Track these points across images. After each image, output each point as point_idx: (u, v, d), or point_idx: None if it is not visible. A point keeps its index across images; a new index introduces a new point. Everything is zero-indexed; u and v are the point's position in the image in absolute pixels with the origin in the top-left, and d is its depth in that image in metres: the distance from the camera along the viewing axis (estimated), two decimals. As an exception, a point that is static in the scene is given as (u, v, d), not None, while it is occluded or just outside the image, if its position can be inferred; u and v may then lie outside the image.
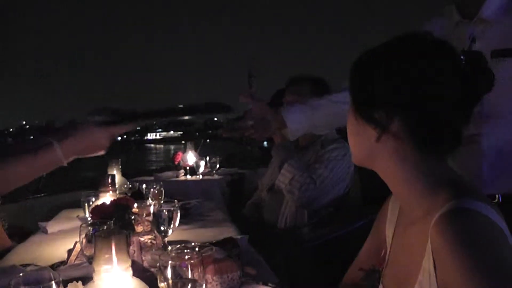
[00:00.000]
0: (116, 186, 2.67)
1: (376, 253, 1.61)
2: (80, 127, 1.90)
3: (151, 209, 2.23)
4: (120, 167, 3.23)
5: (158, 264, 1.38)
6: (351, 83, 1.35)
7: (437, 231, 1.12)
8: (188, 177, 5.02)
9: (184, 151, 5.22)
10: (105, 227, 1.79)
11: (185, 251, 1.45)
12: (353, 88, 1.35)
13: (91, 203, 2.53)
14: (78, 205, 2.75)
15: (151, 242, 2.21)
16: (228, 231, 2.52)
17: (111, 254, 1.09)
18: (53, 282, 1.17)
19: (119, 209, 2.10)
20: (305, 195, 3.02)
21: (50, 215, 3.19)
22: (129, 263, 1.12)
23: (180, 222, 2.17)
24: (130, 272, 1.13)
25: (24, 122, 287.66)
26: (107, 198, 2.47)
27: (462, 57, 1.25)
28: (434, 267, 1.14)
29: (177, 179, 5.02)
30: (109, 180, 2.56)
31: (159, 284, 1.31)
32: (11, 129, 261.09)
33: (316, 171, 3.11)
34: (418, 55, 1.25)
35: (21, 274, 1.20)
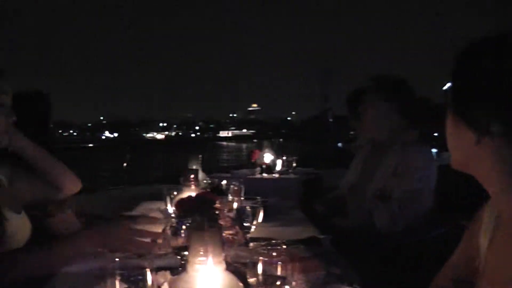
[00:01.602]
0: (200, 181, 2.69)
1: (467, 263, 1.52)
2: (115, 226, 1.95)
3: (234, 204, 2.24)
4: (200, 162, 3.26)
5: (246, 260, 1.37)
6: (451, 84, 1.30)
7: None
8: (264, 175, 5.02)
9: (261, 150, 5.23)
10: (190, 220, 1.81)
11: (273, 248, 1.44)
12: (452, 88, 1.30)
13: (172, 196, 2.56)
14: (156, 197, 2.79)
15: (232, 237, 2.22)
16: (308, 230, 2.50)
17: (206, 246, 1.10)
18: (148, 270, 1.19)
19: (203, 203, 2.12)
20: (401, 213, 2.93)
21: (130, 206, 3.26)
22: (223, 256, 1.13)
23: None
24: (224, 265, 1.14)
25: (101, 118, 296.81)
26: (189, 192, 2.49)
27: None
28: None
29: (253, 176, 5.03)
30: (192, 175, 2.59)
31: (249, 279, 1.31)
32: (89, 124, 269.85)
33: (411, 183, 3.00)
34: None
35: (117, 260, 1.23)
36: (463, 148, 1.28)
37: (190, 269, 1.12)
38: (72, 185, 2.55)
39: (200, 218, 1.96)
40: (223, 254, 1.13)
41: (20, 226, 2.11)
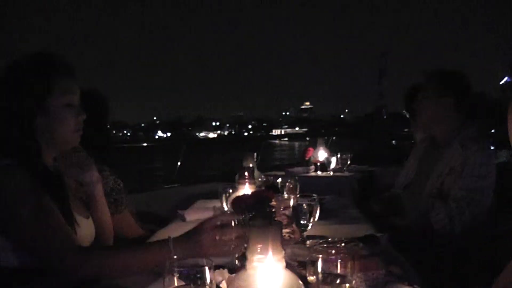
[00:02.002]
0: (255, 179, 2.69)
1: None
2: (202, 233, 1.83)
3: (291, 202, 2.22)
4: (255, 160, 3.26)
5: (305, 259, 1.36)
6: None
7: None
8: (319, 173, 4.99)
9: (314, 147, 5.20)
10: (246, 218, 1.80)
11: (331, 245, 1.42)
12: None
13: (228, 194, 2.57)
14: (211, 195, 2.80)
15: (289, 235, 2.20)
16: (364, 228, 2.46)
17: (266, 244, 1.08)
18: (206, 268, 1.18)
19: (259, 201, 2.11)
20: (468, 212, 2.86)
21: (184, 204, 3.29)
22: (283, 254, 1.11)
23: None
24: (283, 263, 1.12)
25: (155, 118, 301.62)
26: (245, 190, 2.49)
27: None
28: None
29: (308, 174, 5.00)
30: (247, 173, 2.58)
31: (308, 278, 1.29)
32: (142, 124, 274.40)
33: (475, 184, 2.91)
34: None
35: (175, 257, 1.22)
36: None
37: (249, 267, 1.11)
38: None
39: (254, 216, 1.95)
40: (283, 252, 1.12)
41: (88, 231, 2.15)
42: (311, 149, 5.26)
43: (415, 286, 1.55)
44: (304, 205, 2.10)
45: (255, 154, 3.30)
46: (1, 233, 1.78)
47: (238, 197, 2.19)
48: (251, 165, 3.12)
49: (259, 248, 1.10)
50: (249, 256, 1.11)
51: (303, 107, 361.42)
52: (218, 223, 1.82)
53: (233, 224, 1.79)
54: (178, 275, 1.18)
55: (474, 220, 2.82)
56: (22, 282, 1.81)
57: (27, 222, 1.76)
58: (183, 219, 2.84)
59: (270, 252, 1.09)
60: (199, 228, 1.84)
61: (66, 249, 1.78)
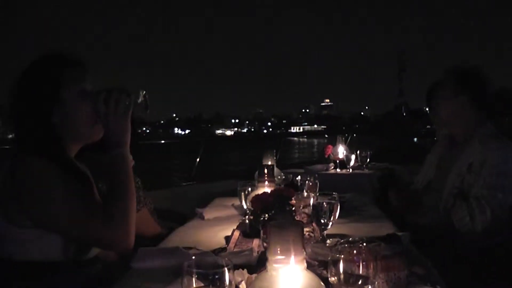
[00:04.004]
0: (275, 178, 2.67)
1: None
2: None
3: (311, 201, 2.20)
4: (275, 158, 3.24)
5: (326, 258, 1.33)
6: None
7: None
8: (338, 170, 4.97)
9: (334, 145, 5.17)
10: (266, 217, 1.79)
11: (353, 245, 1.38)
12: None
13: (246, 192, 2.55)
14: (229, 194, 2.79)
15: (309, 234, 2.18)
16: (386, 227, 2.43)
17: (287, 245, 1.06)
18: (226, 269, 1.16)
19: (279, 199, 2.09)
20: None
21: (202, 202, 3.28)
22: (304, 255, 1.09)
23: (335, 216, 2.13)
24: (304, 264, 1.10)
25: (174, 115, 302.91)
26: (264, 188, 2.47)
27: None
28: None
29: (327, 172, 4.98)
30: (267, 171, 2.56)
31: (329, 279, 1.26)
32: (162, 121, 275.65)
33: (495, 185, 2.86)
34: None
35: (193, 257, 1.21)
36: None
37: (270, 268, 1.09)
38: (122, 237, 1.93)
39: (274, 214, 1.94)
40: (304, 253, 1.09)
41: None
42: (330, 146, 5.23)
43: (437, 287, 1.52)
44: (324, 203, 2.07)
45: (274, 151, 3.28)
46: (34, 225, 1.82)
47: (258, 195, 2.18)
48: (270, 163, 3.09)
49: (280, 249, 1.07)
50: (269, 257, 1.09)
51: (323, 104, 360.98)
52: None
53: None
54: (196, 276, 1.16)
55: (496, 219, 2.77)
56: (35, 277, 1.83)
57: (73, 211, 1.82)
58: (202, 217, 2.84)
59: (291, 253, 1.07)
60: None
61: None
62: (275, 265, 1.08)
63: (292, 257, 1.07)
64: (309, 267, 1.50)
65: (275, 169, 3.15)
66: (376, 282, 1.36)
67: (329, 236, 2.14)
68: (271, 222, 1.17)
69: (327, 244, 2.01)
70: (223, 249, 2.07)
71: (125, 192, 1.92)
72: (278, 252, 1.07)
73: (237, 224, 2.52)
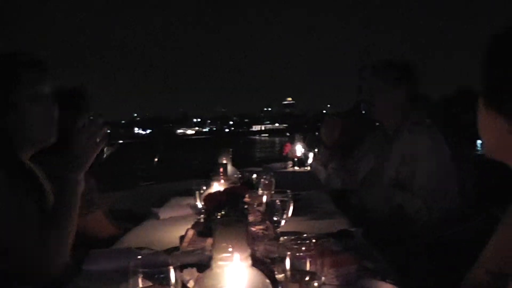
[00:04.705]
0: (229, 176, 2.67)
1: (504, 254, 1.48)
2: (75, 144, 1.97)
3: (264, 198, 2.20)
4: (231, 156, 3.24)
5: (276, 255, 1.33)
6: (482, 71, 1.23)
7: None
8: (296, 168, 4.99)
9: (292, 143, 5.20)
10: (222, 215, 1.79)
11: (302, 242, 1.39)
12: (483, 75, 1.24)
13: (202, 191, 2.54)
14: (187, 193, 2.78)
15: (262, 232, 2.18)
16: (340, 223, 2.46)
17: (231, 243, 1.06)
18: (171, 267, 1.16)
19: (232, 197, 2.09)
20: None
21: (161, 202, 3.26)
22: (249, 252, 1.09)
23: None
24: (249, 261, 1.09)
25: (135, 114, 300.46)
26: (218, 186, 2.47)
27: None
28: None
29: (285, 170, 5.00)
30: (221, 169, 2.56)
31: (276, 276, 1.27)
32: (123, 121, 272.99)
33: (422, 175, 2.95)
34: None
35: (139, 257, 1.20)
36: (496, 137, 1.22)
37: (214, 266, 1.09)
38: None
39: (227, 212, 1.93)
40: (249, 250, 1.09)
41: None
42: (288, 144, 5.26)
43: (387, 280, 1.54)
44: (277, 201, 2.08)
45: (230, 150, 3.28)
46: None
47: (210, 194, 2.17)
48: (225, 162, 3.09)
49: (224, 247, 1.07)
50: (214, 255, 1.08)
51: (285, 102, 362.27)
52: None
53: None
54: (142, 275, 1.15)
55: (441, 206, 2.86)
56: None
57: (8, 224, 1.76)
58: (157, 217, 2.82)
59: (235, 251, 1.07)
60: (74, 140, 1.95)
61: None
62: (220, 263, 1.08)
63: (237, 254, 1.07)
64: (262, 264, 1.51)
65: (231, 167, 3.14)
66: (323, 278, 1.37)
67: (283, 233, 2.14)
68: (215, 220, 1.17)
69: (280, 242, 2.01)
70: (175, 249, 2.06)
71: (65, 220, 1.88)
72: (223, 249, 1.07)
73: (192, 223, 2.51)
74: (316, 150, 5.13)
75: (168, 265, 1.16)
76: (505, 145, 1.21)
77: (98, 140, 1.97)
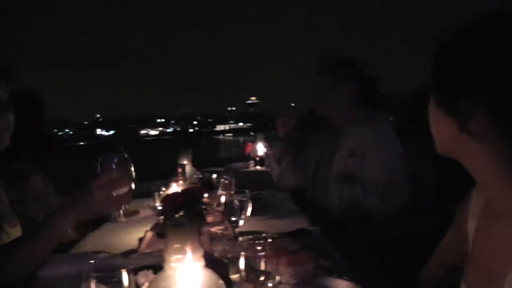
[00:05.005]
0: (188, 176, 2.66)
1: (456, 248, 1.51)
2: (93, 192, 1.79)
3: (222, 199, 2.20)
4: (191, 157, 3.23)
5: (230, 255, 1.33)
6: (433, 70, 1.25)
7: None
8: (258, 167, 4.99)
9: (254, 142, 5.19)
10: (176, 216, 1.77)
11: (259, 242, 1.40)
12: (434, 75, 1.25)
13: (161, 192, 2.53)
14: (147, 195, 2.76)
15: (221, 232, 2.18)
16: (300, 222, 2.47)
17: (183, 244, 1.05)
18: (123, 270, 1.15)
19: (189, 198, 2.08)
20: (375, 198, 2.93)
21: None
22: (201, 253, 1.08)
23: (251, 213, 2.13)
24: (202, 262, 1.09)
25: (98, 115, 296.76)
26: (177, 187, 2.46)
27: None
28: None
29: (247, 170, 5.00)
30: (180, 170, 2.56)
31: (231, 276, 1.27)
32: (85, 122, 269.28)
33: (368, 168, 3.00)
34: (505, 39, 1.13)
35: (91, 262, 1.19)
36: (447, 134, 1.24)
37: (167, 268, 1.08)
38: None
39: (184, 213, 1.93)
40: (202, 251, 1.09)
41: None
42: (250, 144, 5.25)
43: (344, 277, 1.56)
44: (235, 201, 2.08)
45: (190, 150, 3.26)
46: None
47: (168, 195, 2.17)
48: (185, 162, 3.08)
49: (176, 248, 1.06)
50: (167, 256, 1.08)
51: (249, 101, 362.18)
52: (109, 179, 1.79)
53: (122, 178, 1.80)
54: (95, 279, 1.14)
55: (392, 200, 2.91)
56: None
57: None
58: (117, 220, 2.78)
59: (188, 252, 1.06)
60: (90, 187, 1.80)
61: None
62: (172, 265, 1.07)
63: (189, 255, 1.06)
64: (218, 264, 1.51)
65: (191, 168, 3.13)
66: (280, 277, 1.38)
67: (243, 233, 2.15)
68: (167, 221, 1.16)
69: (239, 242, 2.02)
70: (133, 251, 2.04)
71: (30, 256, 1.79)
72: (175, 251, 1.06)
73: (152, 225, 2.50)
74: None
75: (121, 268, 1.15)
76: (456, 143, 1.23)
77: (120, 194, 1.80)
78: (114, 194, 1.77)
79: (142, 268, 1.53)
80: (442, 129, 1.26)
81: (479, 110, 1.13)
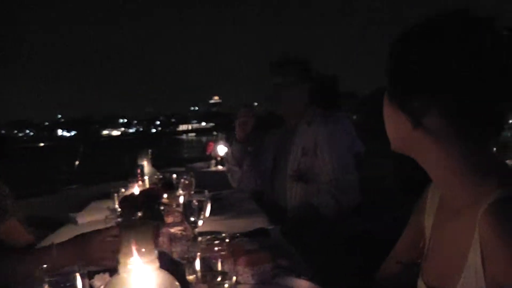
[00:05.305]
0: (146, 177, 2.64)
1: (414, 245, 1.53)
2: (90, 237, 1.78)
3: (181, 199, 2.19)
4: (150, 157, 3.20)
5: (186, 256, 1.32)
6: (386, 69, 1.26)
7: (486, 221, 1.04)
8: (219, 167, 4.98)
9: (216, 142, 5.19)
10: (133, 218, 1.76)
11: (216, 242, 1.39)
12: (388, 74, 1.26)
13: (120, 193, 2.50)
14: (107, 196, 2.73)
15: (181, 233, 2.17)
16: (259, 222, 2.47)
17: (136, 246, 1.04)
18: (77, 274, 1.13)
19: (148, 199, 2.06)
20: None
21: (81, 207, 3.18)
22: (155, 255, 1.07)
23: (211, 213, 2.12)
24: (157, 264, 1.08)
25: (59, 116, 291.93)
26: (136, 188, 2.44)
27: (505, 33, 1.14)
28: (482, 261, 1.06)
29: (209, 169, 4.99)
30: (138, 171, 2.53)
31: (187, 277, 1.26)
32: (46, 123, 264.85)
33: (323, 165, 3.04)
34: (456, 38, 1.14)
35: (45, 266, 1.17)
36: (401, 132, 1.24)
37: (121, 270, 1.07)
38: None
39: (143, 214, 1.91)
40: (156, 252, 1.08)
41: None
42: (211, 144, 5.25)
43: (302, 277, 1.57)
44: (194, 201, 2.07)
45: (149, 151, 3.24)
46: None
47: (126, 196, 2.14)
48: (144, 163, 3.05)
49: (130, 250, 1.05)
50: (120, 258, 1.06)
51: (212, 101, 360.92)
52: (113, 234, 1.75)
53: None
54: (48, 283, 1.12)
55: (345, 197, 2.94)
56: None
57: None
58: (76, 222, 2.74)
59: (141, 254, 1.05)
60: (91, 236, 1.77)
61: None
62: (126, 267, 1.06)
63: (143, 257, 1.05)
64: (175, 265, 1.50)
65: (151, 168, 3.11)
66: (238, 277, 1.38)
67: (202, 233, 2.14)
68: (120, 223, 1.15)
69: (198, 242, 2.01)
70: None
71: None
72: (129, 253, 1.05)
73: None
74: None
75: (75, 272, 1.14)
76: (410, 140, 1.23)
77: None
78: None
79: (98, 271, 1.51)
80: (396, 126, 1.26)
81: (433, 108, 1.14)
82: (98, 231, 1.79)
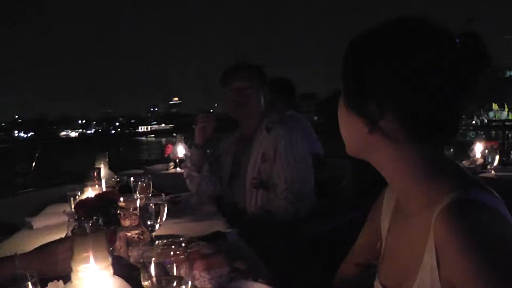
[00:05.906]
0: (103, 180, 2.60)
1: (371, 247, 1.54)
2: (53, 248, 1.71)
3: (138, 202, 2.17)
4: (107, 160, 3.16)
5: (141, 261, 1.31)
6: (341, 72, 1.27)
7: (441, 223, 1.06)
8: (178, 169, 4.95)
9: (175, 144, 5.16)
10: (90, 222, 1.73)
11: (172, 246, 1.38)
12: (343, 77, 1.26)
13: (77, 197, 2.46)
14: (64, 200, 2.68)
15: (138, 237, 2.14)
16: (218, 225, 2.46)
17: (89, 252, 1.03)
18: (29, 283, 1.11)
19: (104, 203, 2.04)
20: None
21: (37, 210, 3.12)
22: (109, 261, 1.06)
23: (169, 216, 2.11)
24: (111, 270, 1.07)
25: (16, 116, 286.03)
26: (92, 192, 2.40)
27: (457, 40, 1.16)
28: (437, 262, 1.08)
29: (167, 172, 4.96)
30: (95, 174, 2.50)
31: (142, 282, 1.25)
32: (2, 124, 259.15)
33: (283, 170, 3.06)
34: (409, 43, 1.15)
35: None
36: (357, 135, 1.25)
37: (74, 278, 1.05)
38: None
39: (98, 219, 1.88)
40: (110, 259, 1.07)
41: None
42: (170, 145, 5.22)
43: (260, 280, 1.56)
44: (150, 205, 2.05)
45: (106, 153, 3.20)
46: None
47: (81, 200, 2.11)
48: (101, 166, 3.01)
49: (83, 257, 1.04)
50: (73, 266, 1.05)
51: (171, 102, 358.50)
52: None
53: None
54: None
55: (304, 201, 2.96)
56: None
57: None
58: (31, 227, 2.68)
59: (95, 260, 1.04)
60: (53, 246, 1.73)
61: None
62: (80, 275, 1.04)
63: (96, 264, 1.04)
64: (135, 270, 1.48)
65: (108, 171, 3.07)
66: (194, 282, 1.37)
67: (160, 237, 2.13)
68: (73, 230, 1.13)
69: (153, 247, 1.99)
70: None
71: None
72: (82, 260, 1.04)
73: (66, 232, 2.42)
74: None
75: (26, 280, 1.11)
76: (365, 143, 1.24)
77: None
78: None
79: (51, 279, 1.48)
80: (352, 130, 1.26)
81: (388, 111, 1.15)
82: (60, 240, 1.75)
